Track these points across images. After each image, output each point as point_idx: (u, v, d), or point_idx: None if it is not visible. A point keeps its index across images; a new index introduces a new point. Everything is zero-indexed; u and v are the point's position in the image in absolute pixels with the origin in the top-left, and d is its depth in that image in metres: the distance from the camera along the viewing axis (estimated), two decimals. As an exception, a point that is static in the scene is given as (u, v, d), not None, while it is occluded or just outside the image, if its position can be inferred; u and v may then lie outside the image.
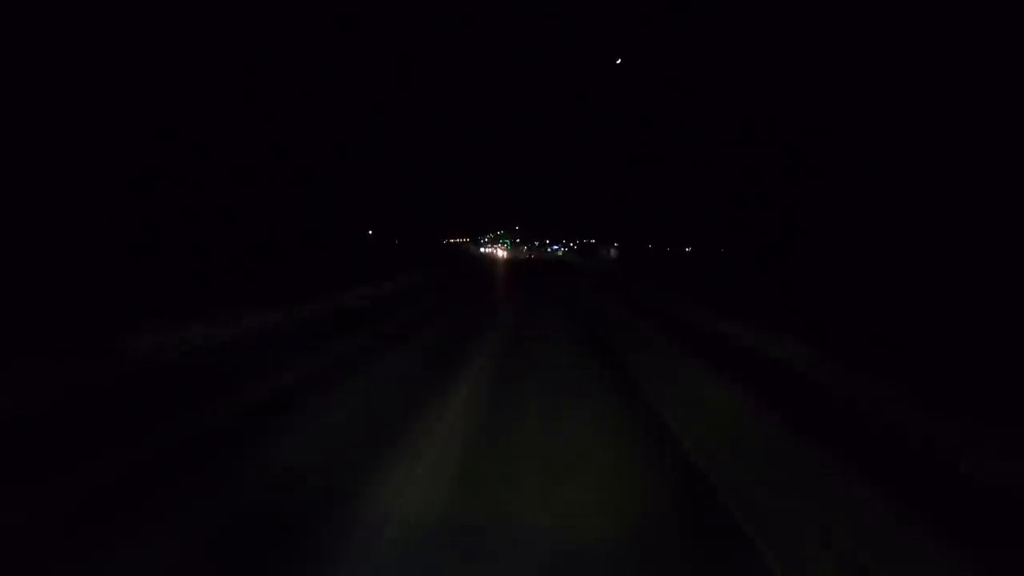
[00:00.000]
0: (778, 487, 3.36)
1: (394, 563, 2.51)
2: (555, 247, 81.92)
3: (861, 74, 11.03)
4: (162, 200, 10.70)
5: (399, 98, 22.39)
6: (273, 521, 2.84)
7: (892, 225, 10.75)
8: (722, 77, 17.42)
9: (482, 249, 77.65)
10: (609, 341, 8.33)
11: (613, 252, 49.19)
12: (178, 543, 2.65)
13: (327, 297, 11.80)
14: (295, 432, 4.12)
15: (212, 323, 7.81)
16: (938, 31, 9.17)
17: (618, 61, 26.82)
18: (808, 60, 12.72)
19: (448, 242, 61.35)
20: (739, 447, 3.99)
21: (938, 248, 9.46)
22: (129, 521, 2.84)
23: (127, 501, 3.05)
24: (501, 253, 68.48)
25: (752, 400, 5.25)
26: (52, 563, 2.53)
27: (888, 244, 10.86)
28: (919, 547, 2.79)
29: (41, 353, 5.33)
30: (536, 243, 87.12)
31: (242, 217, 13.45)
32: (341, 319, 9.89)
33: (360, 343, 7.50)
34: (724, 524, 2.90)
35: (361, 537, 2.69)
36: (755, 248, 19.88)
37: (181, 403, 4.86)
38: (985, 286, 7.88)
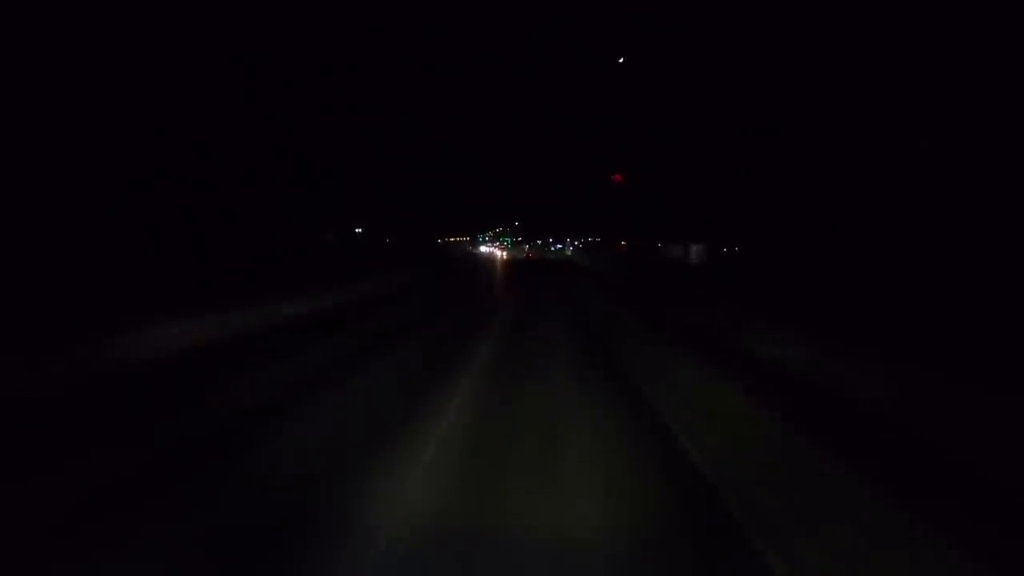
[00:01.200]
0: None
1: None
2: (558, 245, 75.59)
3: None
4: (155, 199, 10.73)
5: (399, 97, 22.40)
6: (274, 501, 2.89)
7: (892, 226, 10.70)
8: (722, 78, 17.41)
9: (482, 248, 73.94)
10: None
11: (694, 253, 25.67)
12: (171, 533, 2.69)
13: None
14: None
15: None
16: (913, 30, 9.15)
17: (620, 60, 26.69)
18: (793, 62, 12.72)
19: (448, 241, 60.63)
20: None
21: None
22: (123, 523, 2.87)
23: (119, 503, 3.08)
24: (499, 253, 61.65)
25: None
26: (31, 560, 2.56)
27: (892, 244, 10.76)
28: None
29: (29, 352, 5.37)
30: (539, 241, 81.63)
31: (242, 217, 13.51)
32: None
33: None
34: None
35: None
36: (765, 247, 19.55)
37: (180, 401, 4.91)
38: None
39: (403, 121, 24.18)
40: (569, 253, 61.76)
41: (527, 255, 57.13)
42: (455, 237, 66.03)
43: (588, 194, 50.79)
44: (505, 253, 62.07)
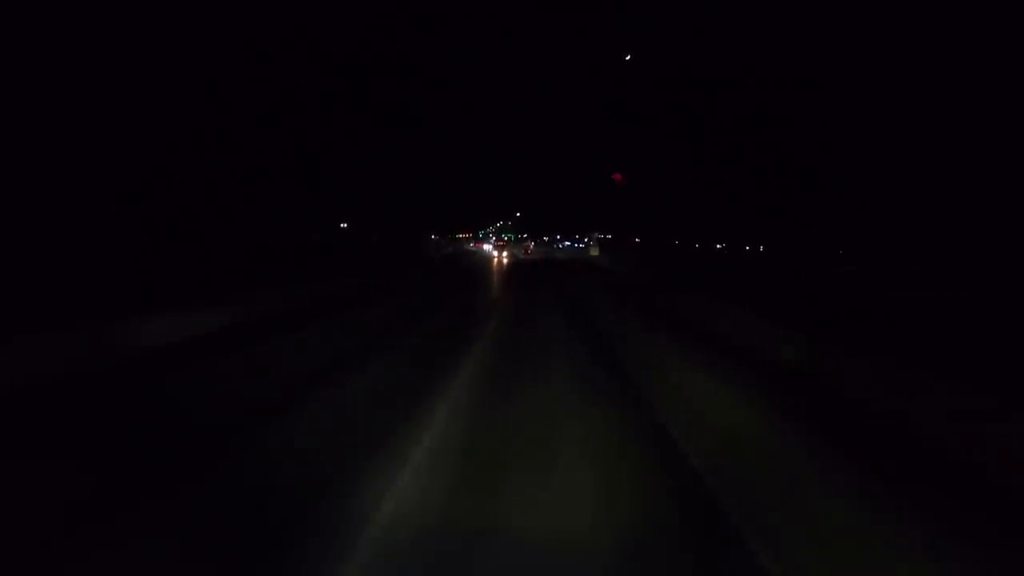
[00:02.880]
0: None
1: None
2: (566, 243, 66.81)
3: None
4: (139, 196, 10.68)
5: (398, 96, 22.38)
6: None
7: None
8: (727, 77, 17.33)
9: (485, 247, 67.81)
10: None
11: None
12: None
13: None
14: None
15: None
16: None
17: (627, 57, 26.60)
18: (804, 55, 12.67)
19: (451, 239, 59.58)
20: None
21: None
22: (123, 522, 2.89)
23: (112, 496, 3.09)
24: (496, 254, 47.95)
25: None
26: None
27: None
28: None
29: (26, 345, 5.42)
30: (545, 238, 72.16)
31: (241, 218, 13.52)
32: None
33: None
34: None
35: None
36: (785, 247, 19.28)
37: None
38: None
39: (402, 120, 24.18)
40: (595, 254, 45.46)
41: (525, 252, 50.72)
42: (457, 234, 64.64)
43: (589, 193, 49.63)
44: (506, 254, 50.03)
